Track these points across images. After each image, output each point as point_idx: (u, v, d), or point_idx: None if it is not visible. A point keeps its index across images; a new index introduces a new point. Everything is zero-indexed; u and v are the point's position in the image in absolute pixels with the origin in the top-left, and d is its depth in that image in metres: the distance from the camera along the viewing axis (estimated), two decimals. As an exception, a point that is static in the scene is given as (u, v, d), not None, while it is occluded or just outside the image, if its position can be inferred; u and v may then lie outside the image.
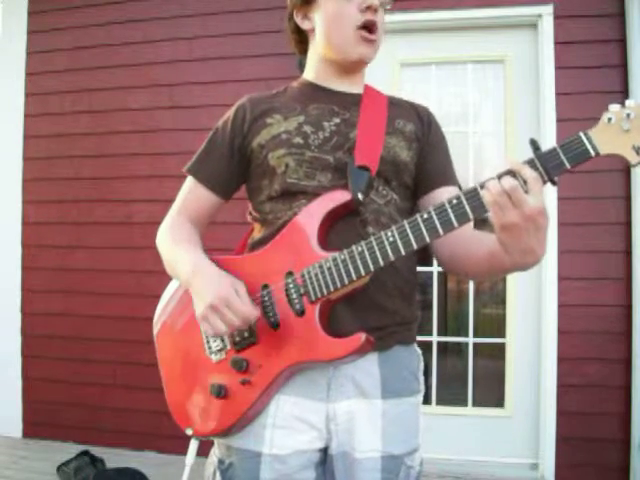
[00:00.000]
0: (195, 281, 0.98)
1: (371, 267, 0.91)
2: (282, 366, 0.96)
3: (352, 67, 1.11)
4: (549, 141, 2.62)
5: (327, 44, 1.08)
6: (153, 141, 3.05)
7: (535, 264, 0.84)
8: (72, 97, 3.16)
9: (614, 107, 0.79)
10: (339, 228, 0.99)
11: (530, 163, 0.80)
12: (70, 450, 2.81)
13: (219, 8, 3.00)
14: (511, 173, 0.79)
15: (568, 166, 0.79)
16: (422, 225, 0.87)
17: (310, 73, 1.16)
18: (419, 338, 1.11)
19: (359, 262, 0.91)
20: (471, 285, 2.88)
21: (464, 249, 1.00)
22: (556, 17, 2.66)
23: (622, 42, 2.59)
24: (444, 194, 1.04)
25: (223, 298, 0.91)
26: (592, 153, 0.78)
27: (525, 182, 0.77)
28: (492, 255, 0.89)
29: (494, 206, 0.79)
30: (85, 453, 2.72)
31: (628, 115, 0.77)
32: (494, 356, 2.84)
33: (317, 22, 1.09)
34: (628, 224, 2.56)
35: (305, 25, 1.12)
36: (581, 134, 0.78)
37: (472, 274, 1.05)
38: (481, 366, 2.86)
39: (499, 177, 0.80)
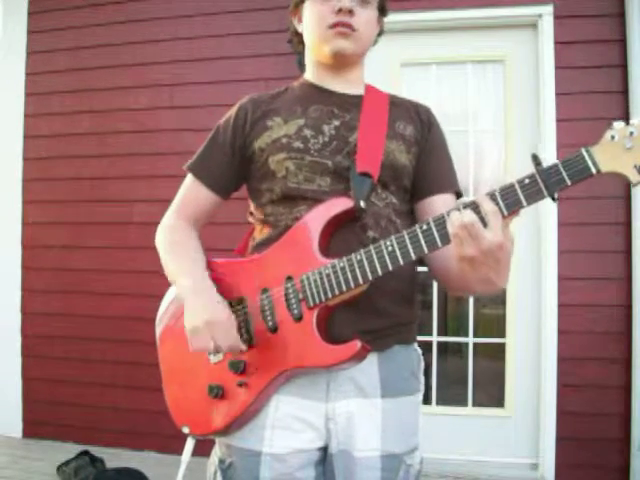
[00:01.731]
0: (193, 299, 0.99)
1: (369, 276, 0.91)
2: (278, 370, 0.97)
3: (334, 63, 1.10)
4: (549, 141, 2.62)
5: (310, 44, 1.12)
6: (153, 141, 3.05)
7: (495, 293, 0.88)
8: (72, 97, 3.16)
9: (618, 124, 0.78)
10: (340, 233, 0.99)
11: (531, 178, 0.80)
12: (70, 450, 2.81)
13: (219, 8, 3.00)
14: (473, 205, 0.80)
15: (569, 182, 0.78)
16: (421, 236, 0.87)
17: (308, 74, 1.17)
18: (419, 338, 1.11)
19: (357, 271, 0.91)
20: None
21: (447, 262, 0.99)
22: (556, 17, 2.66)
23: (622, 42, 2.58)
24: (440, 201, 1.06)
25: (221, 321, 0.94)
26: (593, 171, 0.77)
27: (485, 216, 0.78)
28: (460, 277, 0.90)
29: (454, 238, 0.81)
30: (85, 453, 2.72)
31: (631, 133, 0.76)
32: (494, 356, 2.84)
33: (303, 24, 1.12)
34: (628, 224, 2.56)
35: (299, 28, 1.15)
36: (583, 151, 0.78)
37: (451, 289, 1.06)
38: (481, 366, 2.86)
39: (462, 208, 0.81)
